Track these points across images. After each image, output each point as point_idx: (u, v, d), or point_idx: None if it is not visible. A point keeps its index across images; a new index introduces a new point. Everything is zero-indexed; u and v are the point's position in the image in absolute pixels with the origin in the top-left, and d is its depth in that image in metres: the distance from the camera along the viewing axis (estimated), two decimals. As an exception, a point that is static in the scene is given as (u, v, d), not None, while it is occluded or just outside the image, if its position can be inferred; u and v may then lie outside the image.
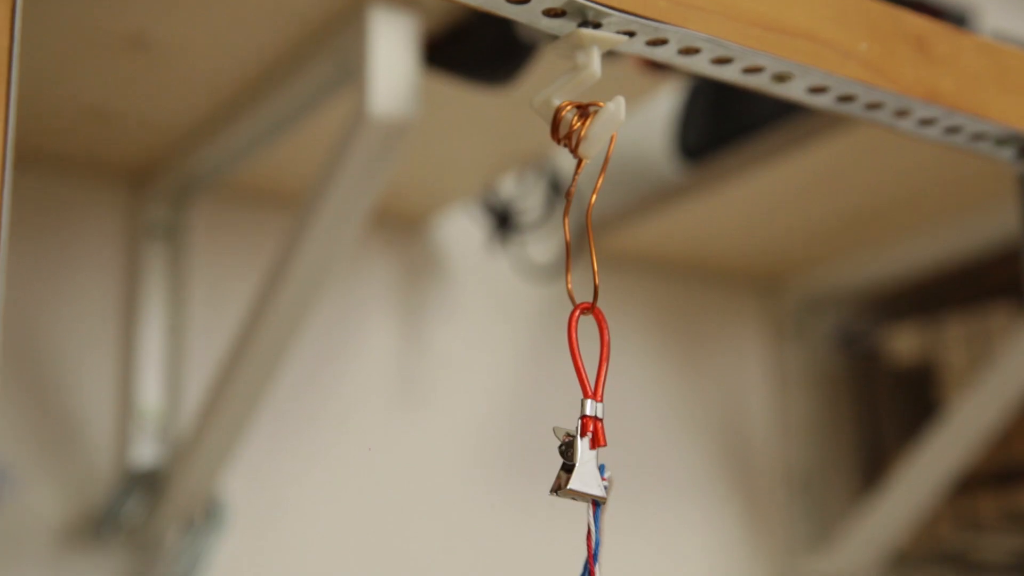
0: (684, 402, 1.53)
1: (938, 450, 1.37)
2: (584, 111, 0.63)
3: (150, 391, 1.22)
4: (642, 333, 1.52)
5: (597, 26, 0.64)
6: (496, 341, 1.44)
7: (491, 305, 1.44)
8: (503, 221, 1.39)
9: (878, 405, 1.58)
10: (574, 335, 0.60)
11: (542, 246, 1.43)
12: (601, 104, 0.62)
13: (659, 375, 1.52)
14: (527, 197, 1.39)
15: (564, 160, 1.36)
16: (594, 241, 0.63)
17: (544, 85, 0.64)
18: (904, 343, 1.52)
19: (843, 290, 1.60)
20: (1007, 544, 1.52)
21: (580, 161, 0.63)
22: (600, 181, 0.62)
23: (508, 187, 1.40)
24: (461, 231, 1.43)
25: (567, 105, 0.63)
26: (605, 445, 0.60)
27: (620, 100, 0.62)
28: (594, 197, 0.62)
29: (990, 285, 1.47)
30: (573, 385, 0.60)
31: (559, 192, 1.37)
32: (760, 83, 0.74)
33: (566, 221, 0.63)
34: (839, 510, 1.56)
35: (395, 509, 1.34)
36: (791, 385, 1.60)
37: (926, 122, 0.78)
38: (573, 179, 0.63)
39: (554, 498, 0.61)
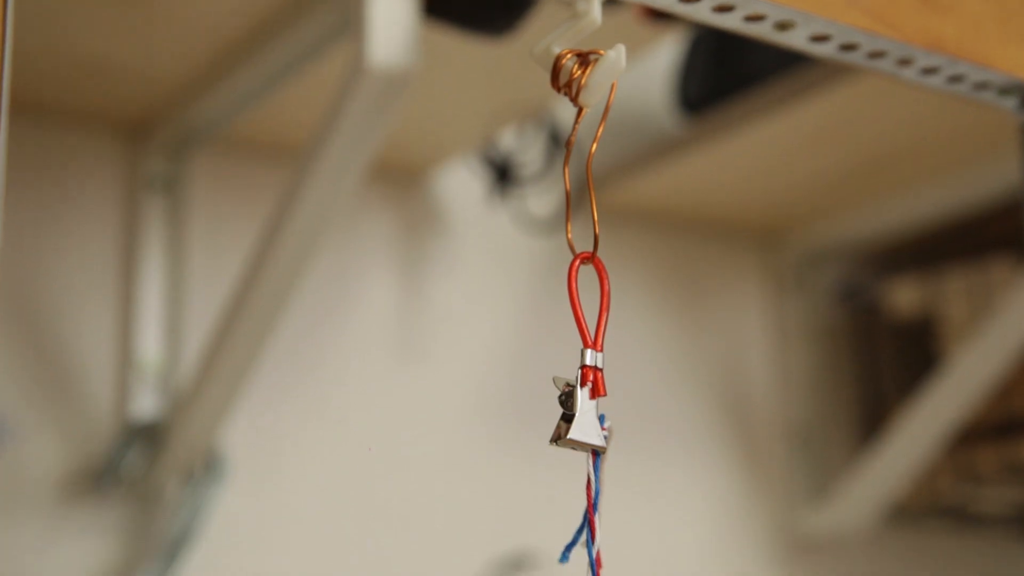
0: (684, 356, 1.53)
1: (938, 403, 1.37)
2: (584, 59, 0.62)
3: (150, 343, 1.22)
4: (642, 287, 1.52)
5: (598, -28, 0.64)
6: (495, 294, 1.44)
7: (490, 258, 1.44)
8: (503, 174, 1.38)
9: (878, 359, 1.58)
10: (574, 284, 0.60)
11: (542, 199, 1.42)
12: (602, 52, 0.62)
13: (659, 329, 1.52)
14: (527, 150, 1.38)
15: (564, 113, 1.36)
16: (594, 192, 0.63)
17: (544, 35, 0.64)
18: (904, 296, 1.52)
19: (844, 243, 1.60)
20: (1006, 496, 1.52)
21: (580, 110, 0.63)
22: (600, 130, 0.62)
23: (508, 140, 1.39)
24: (461, 184, 1.42)
25: (567, 53, 0.63)
26: (605, 395, 0.60)
27: (621, 48, 0.61)
28: (594, 146, 0.62)
29: (991, 237, 1.46)
30: (573, 337, 0.60)
31: (559, 145, 1.36)
32: (762, 31, 0.73)
33: (566, 171, 0.62)
34: (839, 463, 1.56)
35: (395, 461, 1.34)
36: (791, 339, 1.60)
37: (929, 71, 0.78)
38: (573, 128, 0.63)
39: (554, 449, 0.61)
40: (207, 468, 1.19)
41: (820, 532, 1.52)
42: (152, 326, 1.22)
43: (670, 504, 1.49)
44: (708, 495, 1.51)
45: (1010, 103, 0.82)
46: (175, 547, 1.16)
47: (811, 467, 1.56)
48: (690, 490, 1.50)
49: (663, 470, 1.49)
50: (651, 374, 1.50)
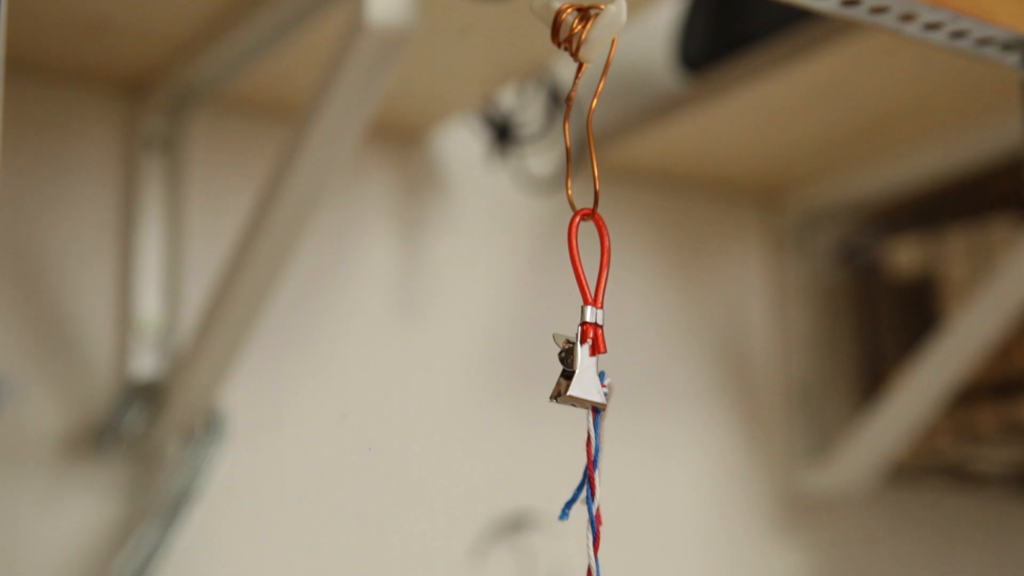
0: (684, 316, 1.53)
1: (938, 363, 1.37)
2: (585, 14, 0.62)
3: (149, 303, 1.22)
4: (642, 247, 1.52)
5: (598, -77, 0.63)
6: (495, 254, 1.43)
7: (490, 218, 1.44)
8: (503, 134, 1.38)
9: (878, 318, 1.58)
10: (574, 241, 0.60)
11: (542, 159, 1.42)
12: (602, 7, 0.61)
13: (659, 289, 1.52)
14: (527, 109, 1.38)
15: (564, 72, 1.35)
16: (594, 148, 0.63)
17: (545, -9, 0.63)
18: (905, 256, 1.51)
19: (844, 203, 1.60)
20: (1005, 455, 1.52)
21: (580, 65, 0.63)
22: (601, 85, 0.61)
23: (508, 99, 1.38)
24: (460, 144, 1.42)
25: (568, 7, 0.62)
26: (605, 352, 0.60)
27: (621, 2, 0.61)
28: (595, 101, 0.61)
29: (992, 197, 1.46)
30: (573, 297, 0.60)
31: (559, 104, 1.36)
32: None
33: (566, 126, 0.62)
34: (838, 422, 1.56)
35: (395, 421, 1.34)
36: (791, 299, 1.59)
37: (932, 26, 0.77)
38: (573, 83, 0.62)
39: (554, 407, 0.61)
40: (207, 427, 1.19)
41: (819, 491, 1.53)
42: (151, 285, 1.22)
43: (670, 462, 1.49)
44: (708, 454, 1.51)
45: (1013, 59, 0.82)
46: (175, 506, 1.16)
47: (810, 426, 1.56)
48: (690, 449, 1.50)
49: (663, 429, 1.49)
50: (650, 334, 1.50)
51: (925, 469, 1.57)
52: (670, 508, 1.48)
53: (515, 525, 1.35)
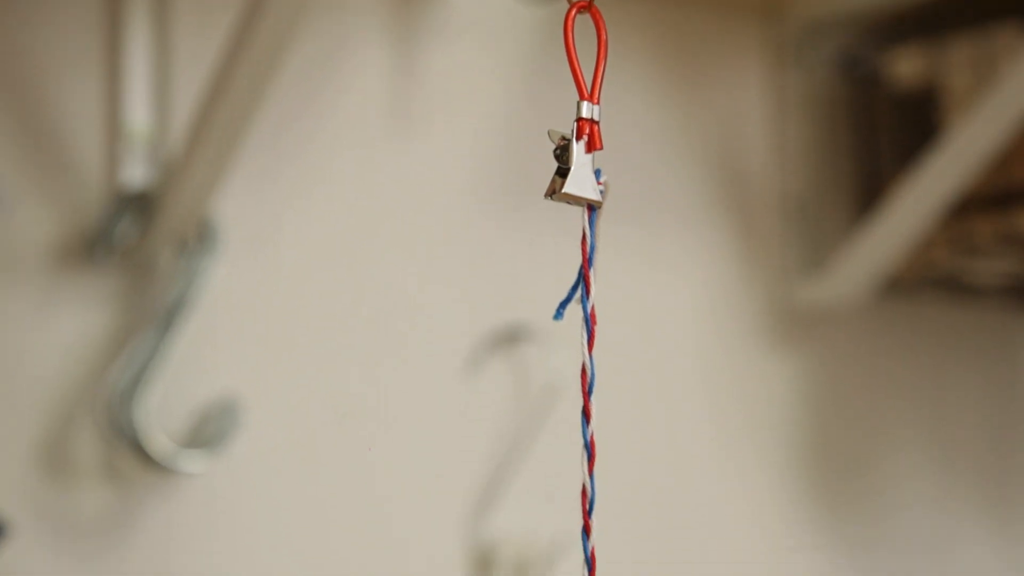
0: (680, 127, 1.51)
1: (936, 174, 1.36)
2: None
3: (138, 112, 1.20)
4: (637, 59, 1.49)
5: None
6: (492, 65, 1.41)
7: (487, 28, 1.41)
8: (497, -61, 1.35)
9: (878, 130, 1.56)
10: (570, 34, 0.58)
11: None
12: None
13: (655, 102, 1.50)
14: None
15: None
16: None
17: None
18: (907, 66, 1.49)
19: (845, 12, 1.57)
20: (1001, 267, 1.52)
21: None
22: None
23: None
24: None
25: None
26: (601, 148, 0.59)
27: None
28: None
29: (997, 5, 1.43)
30: (570, 104, 0.58)
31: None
32: None
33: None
34: (835, 236, 1.56)
35: (389, 235, 1.33)
36: (790, 111, 1.58)
37: None
38: None
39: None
40: (200, 238, 1.19)
41: (815, 304, 1.53)
42: (140, 93, 1.20)
43: (665, 276, 1.49)
44: (703, 267, 1.51)
45: None
46: (170, 316, 1.16)
47: (807, 239, 1.56)
48: (686, 262, 1.50)
49: (659, 243, 1.48)
50: (647, 147, 1.49)
51: (921, 281, 1.57)
52: (665, 321, 1.49)
53: (510, 338, 1.35)
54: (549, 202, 0.59)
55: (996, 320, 1.68)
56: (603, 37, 0.59)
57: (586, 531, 0.57)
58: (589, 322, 0.59)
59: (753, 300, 1.53)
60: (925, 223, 1.41)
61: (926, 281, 1.57)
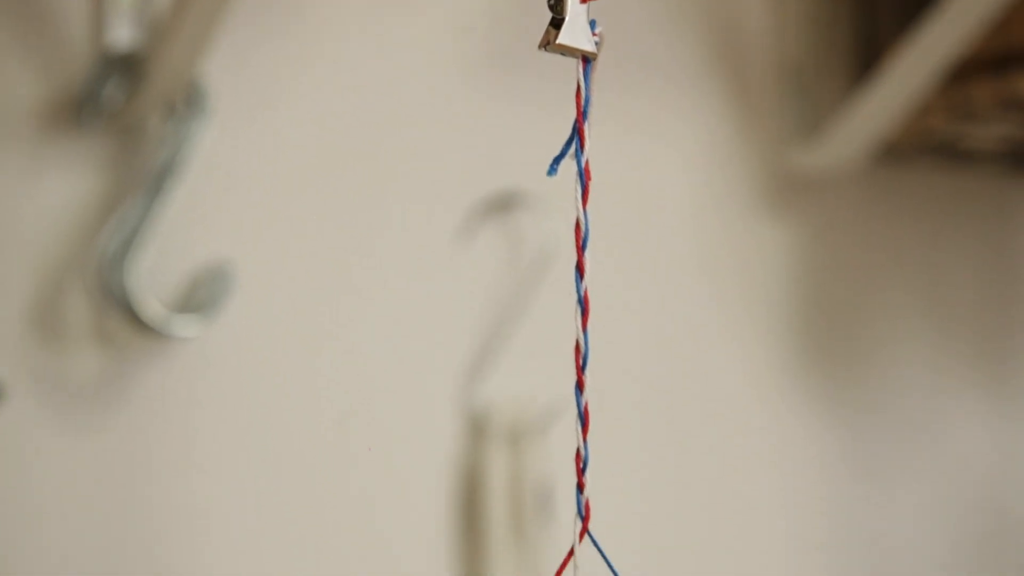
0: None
1: (935, 37, 1.34)
2: None
3: (123, -30, 1.18)
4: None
5: None
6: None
7: None
8: None
9: (876, -6, 1.55)
10: None
11: None
12: None
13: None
14: None
15: None
16: None
17: None
18: (906, -73, 1.47)
19: None
20: (999, 131, 1.52)
21: None
22: None
23: None
24: None
25: None
26: (595, -2, 0.58)
27: None
28: None
29: None
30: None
31: None
32: None
33: None
34: (831, 101, 1.55)
35: (378, 112, 1.32)
36: (787, -28, 1.56)
37: None
38: None
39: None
40: (190, 101, 1.17)
41: (811, 170, 1.52)
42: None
43: (660, 143, 1.48)
44: (698, 132, 1.50)
45: None
46: (159, 180, 1.15)
47: (803, 105, 1.55)
48: (680, 128, 1.49)
49: (652, 108, 1.47)
50: (640, 8, 1.46)
51: (918, 147, 1.57)
52: (660, 186, 1.48)
53: (503, 205, 1.35)
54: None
55: (993, 186, 1.68)
56: None
57: (579, 386, 0.57)
58: (583, 176, 0.58)
59: (748, 165, 1.52)
60: (923, 88, 1.39)
61: (923, 147, 1.57)
